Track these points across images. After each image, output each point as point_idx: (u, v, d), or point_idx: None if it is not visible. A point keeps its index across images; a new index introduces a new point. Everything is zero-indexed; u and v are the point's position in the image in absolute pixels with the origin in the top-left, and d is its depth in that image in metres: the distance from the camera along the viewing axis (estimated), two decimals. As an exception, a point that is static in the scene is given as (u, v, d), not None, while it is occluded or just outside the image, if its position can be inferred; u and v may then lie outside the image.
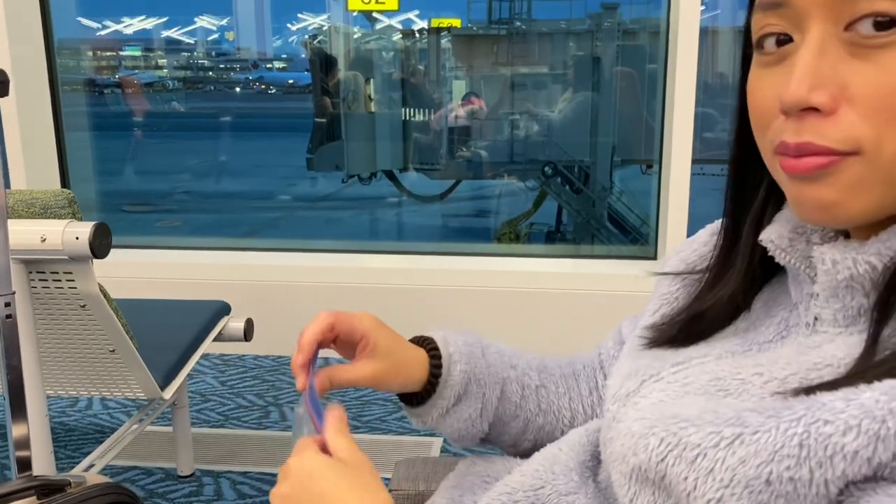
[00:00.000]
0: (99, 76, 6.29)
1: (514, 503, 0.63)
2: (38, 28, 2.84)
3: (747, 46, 0.51)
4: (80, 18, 5.07)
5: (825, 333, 0.49)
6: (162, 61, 7.61)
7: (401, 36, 5.12)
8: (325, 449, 0.55)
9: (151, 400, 1.65)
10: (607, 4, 4.26)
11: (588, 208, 4.40)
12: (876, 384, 0.40)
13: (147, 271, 2.79)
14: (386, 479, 0.62)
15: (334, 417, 0.56)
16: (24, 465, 0.96)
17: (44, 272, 1.34)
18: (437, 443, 2.12)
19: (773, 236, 0.52)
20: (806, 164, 0.44)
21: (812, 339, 0.49)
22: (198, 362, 1.77)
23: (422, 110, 4.85)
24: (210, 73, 8.67)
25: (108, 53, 6.67)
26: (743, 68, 0.52)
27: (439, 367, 0.71)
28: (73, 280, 1.34)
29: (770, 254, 0.52)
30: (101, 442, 1.68)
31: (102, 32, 6.12)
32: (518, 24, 4.79)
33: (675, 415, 0.47)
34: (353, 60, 5.15)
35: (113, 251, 1.31)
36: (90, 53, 5.64)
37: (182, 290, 2.55)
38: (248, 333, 1.89)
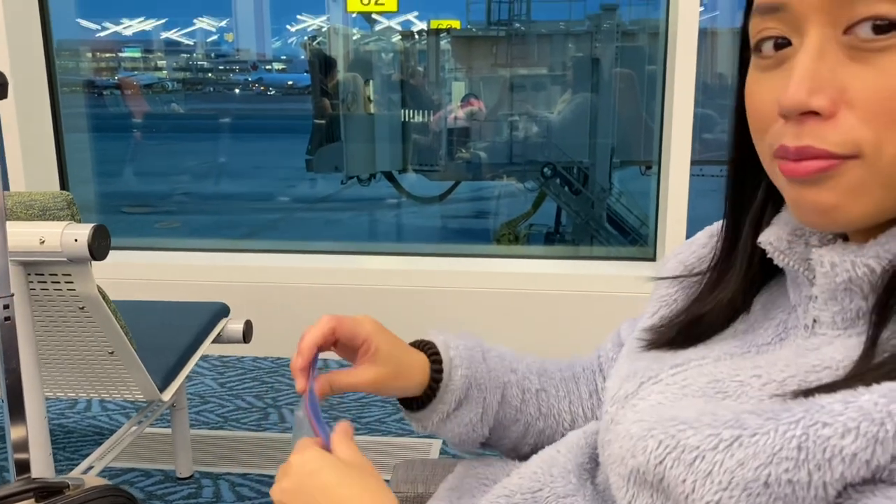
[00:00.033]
0: (98, 77, 6.29)
1: (512, 505, 0.63)
2: (38, 29, 2.84)
3: (744, 50, 0.51)
4: (79, 20, 5.08)
5: (824, 336, 0.49)
6: (161, 63, 7.61)
7: (400, 37, 5.12)
8: (326, 450, 0.56)
9: (150, 402, 1.65)
10: (606, 6, 4.26)
11: (587, 209, 4.41)
12: (874, 387, 0.40)
13: (146, 273, 2.79)
14: (385, 480, 0.62)
15: (342, 429, 0.57)
16: (23, 467, 0.96)
17: (42, 274, 1.34)
18: (437, 445, 2.12)
19: (771, 238, 0.52)
20: (806, 168, 0.44)
21: (811, 341, 0.49)
22: (197, 364, 1.77)
23: (421, 111, 4.85)
24: (209, 75, 8.67)
25: (107, 55, 6.66)
26: (740, 72, 0.52)
27: (440, 371, 0.71)
28: (71, 282, 1.34)
29: (769, 256, 0.52)
30: (100, 444, 1.67)
31: (102, 34, 6.12)
32: (517, 25, 4.80)
33: (674, 417, 0.47)
34: (353, 62, 5.15)
35: (112, 253, 1.31)
36: (89, 55, 5.64)
37: (181, 291, 2.55)
38: (246, 335, 1.89)
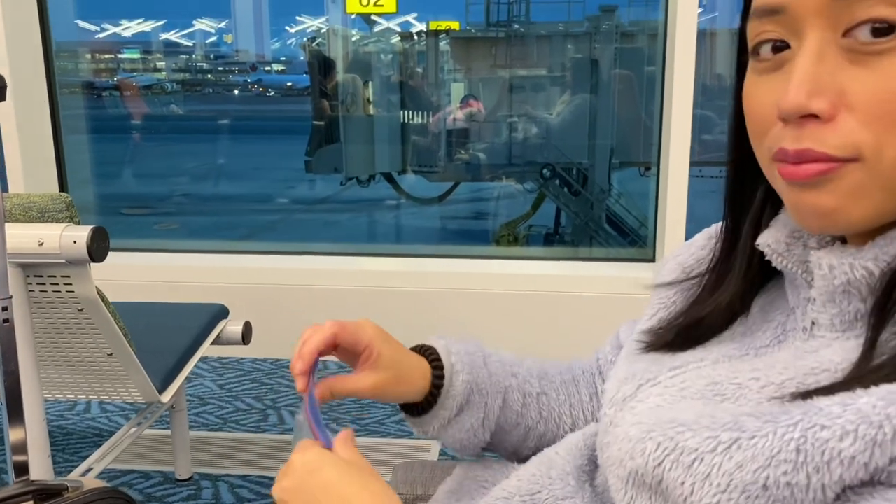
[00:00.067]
0: (97, 79, 6.30)
1: (510, 508, 0.63)
2: (37, 31, 2.84)
3: (742, 53, 0.51)
4: (78, 21, 5.07)
5: (822, 338, 0.49)
6: (160, 64, 7.61)
7: (399, 38, 5.13)
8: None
9: (149, 403, 1.65)
10: (605, 7, 4.27)
11: (586, 210, 4.41)
12: (873, 389, 0.40)
13: (145, 274, 2.79)
14: (384, 482, 0.63)
15: (345, 434, 0.58)
16: (22, 469, 0.96)
17: (41, 276, 1.33)
18: (436, 447, 2.12)
19: (770, 241, 0.52)
20: (806, 171, 0.44)
21: (809, 343, 0.49)
22: (196, 365, 1.77)
23: (420, 113, 4.85)
24: (208, 76, 8.67)
25: (106, 56, 6.67)
26: (738, 74, 0.52)
27: (441, 377, 0.70)
28: (70, 284, 1.34)
29: (767, 258, 0.52)
30: (100, 445, 1.67)
31: (101, 35, 6.12)
32: (516, 26, 4.80)
33: (673, 419, 0.47)
34: (352, 63, 5.15)
35: (111, 254, 1.31)
36: (88, 56, 5.65)
37: (180, 293, 2.55)
38: (246, 337, 1.89)
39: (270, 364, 2.71)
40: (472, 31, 4.96)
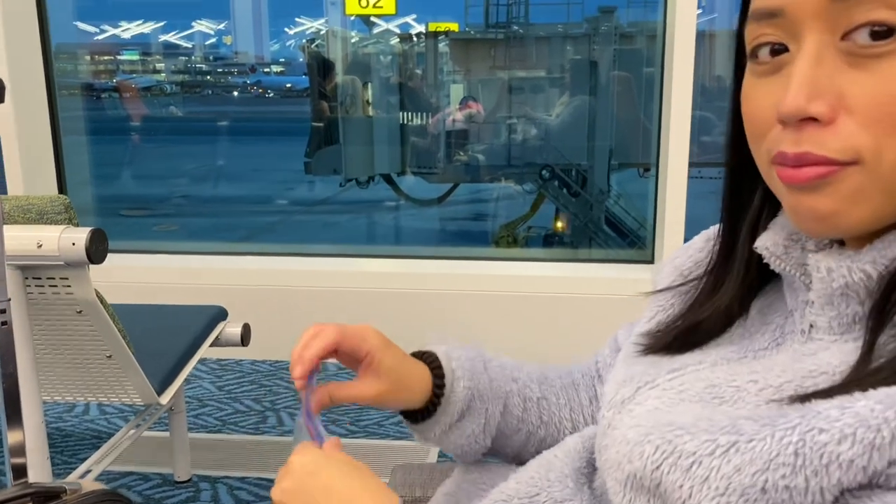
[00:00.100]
0: (97, 80, 6.30)
1: (509, 510, 0.63)
2: (36, 33, 2.84)
3: (740, 55, 0.51)
4: (77, 23, 5.08)
5: (820, 341, 0.49)
6: (160, 65, 7.61)
7: (398, 40, 5.13)
8: None
9: (148, 405, 1.65)
10: (604, 8, 4.27)
11: (585, 211, 4.41)
12: (871, 392, 0.40)
13: (144, 276, 2.79)
14: (382, 484, 0.63)
15: (332, 442, 0.58)
16: (20, 472, 0.96)
17: (40, 278, 1.33)
18: (434, 449, 2.11)
19: (768, 243, 0.52)
20: (805, 175, 0.44)
21: (807, 346, 0.49)
22: (195, 367, 1.77)
23: (419, 114, 4.86)
24: (208, 78, 8.68)
25: (105, 58, 6.67)
26: (736, 77, 0.52)
27: (442, 383, 0.70)
28: (69, 286, 1.34)
29: (765, 261, 0.52)
30: (98, 447, 1.67)
31: (100, 37, 6.13)
32: (515, 28, 4.80)
33: (671, 422, 0.47)
34: (351, 64, 5.16)
35: (110, 256, 1.31)
36: (88, 58, 5.65)
37: (179, 294, 2.55)
38: (245, 338, 1.89)
39: (269, 366, 2.71)
40: (472, 32, 4.97)
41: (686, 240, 0.65)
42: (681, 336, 0.57)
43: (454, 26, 4.95)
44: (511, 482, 0.65)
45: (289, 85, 9.11)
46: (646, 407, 0.52)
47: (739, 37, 0.51)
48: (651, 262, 2.81)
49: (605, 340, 0.81)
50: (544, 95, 4.55)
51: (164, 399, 1.59)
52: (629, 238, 4.23)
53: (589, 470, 0.64)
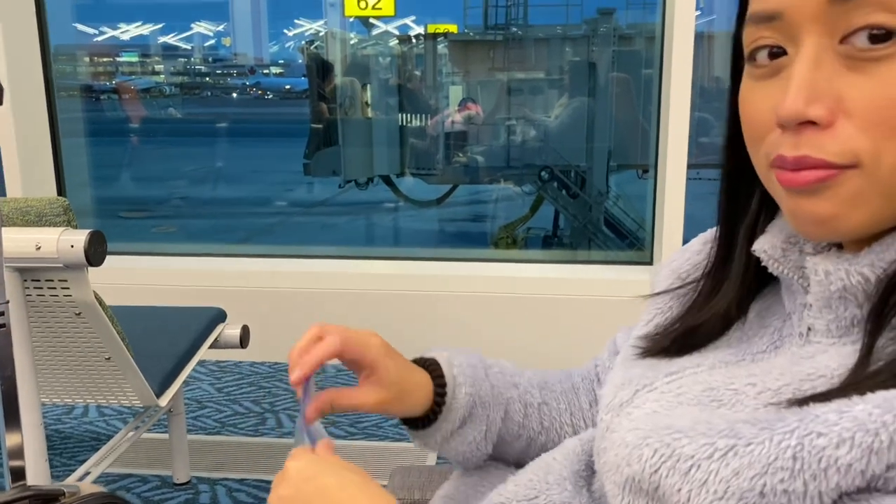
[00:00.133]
0: (96, 82, 6.30)
1: (508, 513, 0.63)
2: (34, 34, 2.84)
3: (737, 58, 0.51)
4: (76, 24, 5.08)
5: (818, 344, 0.49)
6: (159, 67, 7.62)
7: (397, 41, 5.13)
8: None
9: (147, 407, 1.65)
10: (603, 10, 4.27)
11: (585, 213, 4.41)
12: (869, 396, 0.40)
13: (142, 278, 2.79)
14: (381, 485, 0.62)
15: (324, 443, 0.58)
16: (18, 474, 0.95)
17: (39, 280, 1.33)
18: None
19: (766, 246, 0.52)
20: (804, 178, 0.44)
21: (805, 349, 0.49)
22: (194, 369, 1.77)
23: (418, 115, 4.86)
24: (207, 79, 8.68)
25: (104, 59, 6.67)
26: (733, 80, 0.52)
27: (443, 390, 0.70)
28: (68, 288, 1.34)
29: (763, 264, 0.52)
30: (97, 449, 1.67)
31: (99, 38, 6.13)
32: (514, 29, 4.81)
33: (669, 426, 0.46)
34: (350, 66, 5.16)
35: (108, 258, 1.31)
36: (87, 59, 5.65)
37: (177, 296, 2.55)
38: (243, 340, 1.89)
39: (268, 367, 2.71)
40: (471, 34, 4.97)
41: (685, 241, 0.65)
42: (679, 339, 0.57)
43: (453, 28, 4.95)
44: (510, 485, 0.65)
45: (288, 86, 9.11)
46: (644, 410, 0.52)
47: (737, 40, 0.50)
48: (650, 263, 2.81)
49: (604, 342, 0.81)
50: (543, 97, 4.55)
51: (163, 401, 1.59)
52: (628, 239, 4.24)
53: (588, 473, 0.64)
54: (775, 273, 0.52)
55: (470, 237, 5.67)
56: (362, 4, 4.42)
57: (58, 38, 3.01)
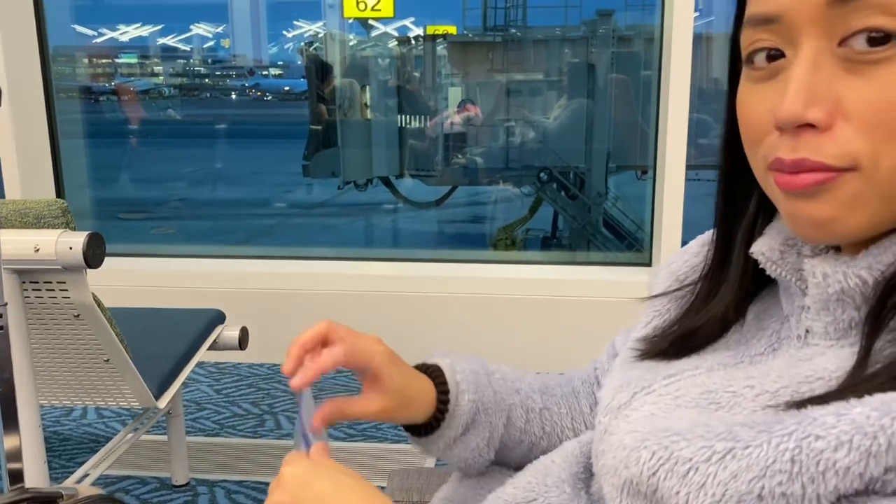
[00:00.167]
0: (95, 83, 6.30)
1: (506, 515, 0.63)
2: (33, 36, 2.84)
3: (735, 61, 0.51)
4: (75, 26, 5.08)
5: (816, 346, 0.48)
6: (158, 68, 7.62)
7: (396, 43, 5.13)
8: None
9: (146, 409, 1.65)
10: (602, 11, 4.28)
11: (583, 214, 4.41)
12: (867, 399, 0.40)
13: (141, 279, 2.78)
14: (380, 487, 0.62)
15: (320, 447, 0.57)
16: (16, 477, 0.95)
17: (37, 282, 1.33)
18: (433, 451, 2.11)
19: (764, 249, 0.52)
20: (803, 181, 0.44)
21: (803, 351, 0.49)
22: (193, 371, 1.77)
23: (417, 117, 4.86)
24: (206, 81, 8.68)
25: (103, 61, 6.67)
26: (731, 82, 0.52)
27: (446, 397, 0.69)
28: (66, 290, 1.34)
29: (761, 266, 0.52)
30: (96, 451, 1.67)
31: (98, 40, 6.13)
32: (513, 30, 4.81)
33: (667, 428, 0.46)
34: (349, 67, 5.16)
35: (107, 259, 1.31)
36: (86, 61, 5.65)
37: (176, 298, 2.55)
38: (242, 342, 1.89)
39: (267, 369, 2.71)
40: (470, 35, 4.97)
41: (684, 242, 0.65)
42: (677, 341, 0.57)
43: (452, 29, 4.95)
44: (508, 487, 0.65)
45: (287, 88, 9.11)
46: (642, 412, 0.52)
47: (734, 42, 0.50)
48: (649, 264, 2.81)
49: (603, 343, 0.81)
50: (542, 98, 4.55)
51: (162, 403, 1.59)
52: (627, 240, 4.24)
53: (586, 475, 0.64)
54: (773, 275, 0.52)
55: (469, 238, 5.67)
56: (361, 6, 4.43)
57: (57, 40, 3.01)
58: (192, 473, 1.99)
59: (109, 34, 6.24)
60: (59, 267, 1.27)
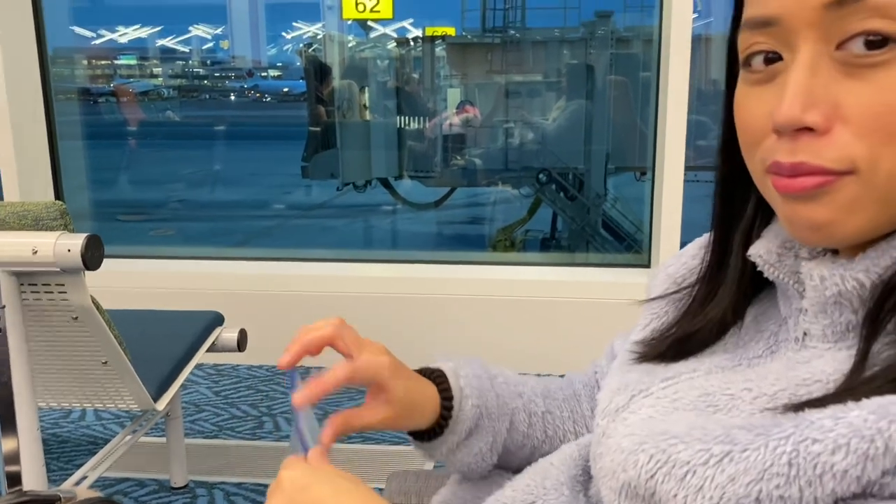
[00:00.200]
0: (94, 85, 6.30)
1: (505, 518, 0.63)
2: (32, 37, 2.84)
3: (732, 63, 0.51)
4: (74, 27, 5.08)
5: (814, 349, 0.48)
6: (157, 70, 7.61)
7: (395, 44, 5.13)
8: None
9: (145, 411, 1.64)
10: (600, 13, 4.28)
11: (582, 215, 4.41)
12: (864, 402, 0.40)
13: (140, 281, 2.78)
14: (378, 490, 0.62)
15: (315, 452, 0.57)
16: (14, 479, 0.95)
17: (35, 284, 1.33)
18: (432, 452, 2.11)
19: (761, 251, 0.52)
20: (801, 184, 0.44)
21: (801, 354, 0.49)
22: (191, 372, 1.76)
23: (416, 118, 4.86)
24: (205, 82, 8.68)
25: (102, 62, 6.67)
26: (728, 85, 0.52)
27: (450, 402, 0.69)
28: (64, 292, 1.34)
29: (759, 269, 0.52)
30: (95, 453, 1.67)
31: (97, 41, 6.12)
32: (512, 32, 4.81)
33: (665, 431, 0.46)
34: (348, 69, 5.16)
35: (106, 261, 1.31)
36: (85, 62, 5.65)
37: (175, 300, 2.55)
38: (241, 344, 1.88)
39: (266, 371, 2.71)
40: (468, 36, 4.97)
41: (683, 243, 0.65)
42: (675, 344, 0.57)
43: (451, 31, 4.96)
44: (507, 490, 0.65)
45: (286, 89, 9.11)
46: (640, 415, 0.52)
47: (732, 44, 0.50)
48: (648, 265, 2.81)
49: (602, 345, 0.81)
50: (541, 99, 4.55)
51: (161, 405, 1.59)
52: (626, 242, 4.24)
53: (585, 478, 0.64)
54: (771, 278, 0.52)
55: (468, 240, 5.67)
56: (360, 7, 4.43)
57: (55, 41, 3.01)
58: (191, 475, 1.98)
59: (108, 36, 6.24)
60: (58, 269, 1.27)
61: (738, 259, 0.55)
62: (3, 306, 0.94)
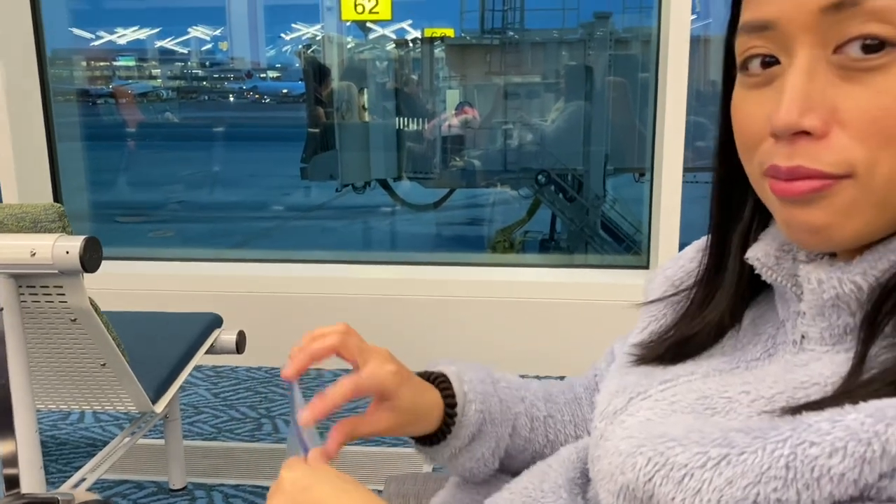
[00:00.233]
0: (92, 86, 6.29)
1: (503, 521, 0.63)
2: (31, 38, 2.84)
3: (729, 66, 0.51)
4: (73, 29, 5.08)
5: (812, 351, 0.49)
6: (156, 71, 7.61)
7: (394, 46, 5.13)
8: None
9: (143, 413, 1.64)
10: (599, 14, 4.28)
11: (581, 216, 4.41)
12: (861, 405, 0.40)
13: (138, 283, 2.78)
14: (376, 491, 0.62)
15: (315, 453, 0.57)
16: (12, 482, 0.95)
17: (34, 286, 1.33)
18: (431, 454, 2.11)
19: (759, 254, 0.52)
20: (799, 188, 0.44)
21: (799, 357, 0.49)
22: (190, 374, 1.76)
23: (415, 119, 4.86)
24: (204, 83, 8.67)
25: (101, 64, 6.66)
26: (725, 88, 0.52)
27: (453, 407, 0.69)
28: (63, 294, 1.34)
29: (757, 272, 0.52)
30: (93, 455, 1.67)
31: (96, 43, 6.12)
32: (511, 33, 4.81)
33: (663, 434, 0.46)
34: (347, 70, 5.16)
35: (104, 263, 1.31)
36: (83, 64, 5.65)
37: (174, 302, 2.55)
38: (240, 346, 1.88)
39: (265, 373, 2.71)
40: (467, 38, 4.97)
41: (682, 245, 0.65)
42: (673, 347, 0.57)
43: (450, 32, 4.96)
44: (505, 492, 0.65)
45: (285, 90, 9.10)
46: (638, 418, 0.52)
47: (729, 47, 0.51)
48: (647, 267, 2.81)
49: (601, 346, 0.81)
50: (540, 101, 4.55)
51: (159, 407, 1.59)
52: (625, 243, 4.24)
53: (583, 480, 0.64)
54: (769, 281, 0.52)
55: (467, 241, 5.67)
56: (359, 9, 4.43)
57: (54, 43, 3.01)
58: (190, 477, 1.98)
59: (107, 37, 6.24)
60: (56, 271, 1.26)
61: (736, 262, 0.55)
62: (2, 308, 0.94)
